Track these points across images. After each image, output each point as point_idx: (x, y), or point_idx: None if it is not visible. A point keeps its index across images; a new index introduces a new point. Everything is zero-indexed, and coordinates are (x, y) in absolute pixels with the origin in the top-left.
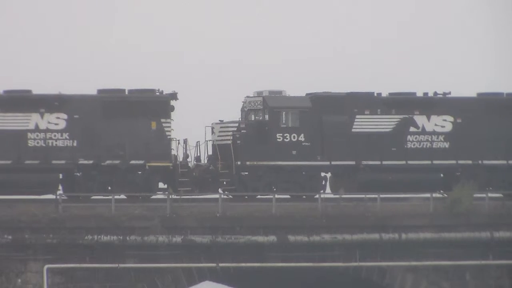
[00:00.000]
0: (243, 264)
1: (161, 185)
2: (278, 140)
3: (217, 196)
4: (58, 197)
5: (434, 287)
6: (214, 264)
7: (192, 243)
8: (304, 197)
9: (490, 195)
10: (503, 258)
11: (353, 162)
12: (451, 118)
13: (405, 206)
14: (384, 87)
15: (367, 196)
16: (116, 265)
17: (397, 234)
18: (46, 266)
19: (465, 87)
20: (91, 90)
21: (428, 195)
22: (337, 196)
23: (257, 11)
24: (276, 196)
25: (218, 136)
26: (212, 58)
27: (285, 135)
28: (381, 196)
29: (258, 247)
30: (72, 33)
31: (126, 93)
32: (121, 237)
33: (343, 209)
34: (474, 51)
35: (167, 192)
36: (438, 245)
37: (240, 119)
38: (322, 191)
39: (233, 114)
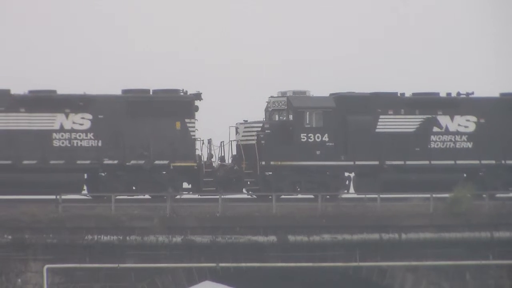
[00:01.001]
0: (243, 264)
1: (185, 185)
2: (302, 140)
3: (216, 196)
4: (58, 197)
5: (434, 287)
6: (214, 264)
7: (192, 243)
8: (328, 197)
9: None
10: (503, 258)
11: (376, 162)
12: (474, 118)
13: (405, 206)
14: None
15: (367, 196)
16: (116, 265)
17: (397, 234)
18: (46, 266)
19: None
20: (116, 90)
21: (428, 195)
22: (362, 196)
23: (279, 10)
24: (301, 196)
25: (242, 136)
26: (236, 58)
27: (309, 135)
28: (381, 196)
29: (258, 247)
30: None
31: (151, 93)
32: (121, 237)
33: (343, 209)
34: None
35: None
36: (438, 245)
37: (264, 119)
38: (346, 191)
39: (257, 114)
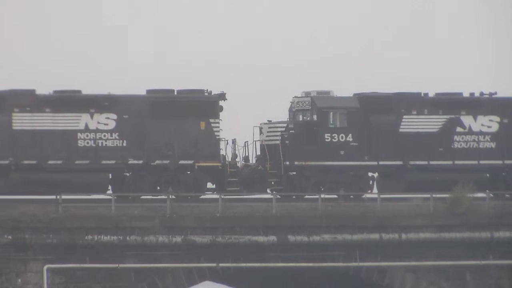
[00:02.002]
0: (243, 264)
1: (209, 185)
2: (326, 140)
3: (216, 196)
4: (58, 197)
5: (434, 287)
6: (214, 264)
7: (192, 243)
8: (352, 197)
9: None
10: (503, 258)
11: (400, 162)
12: (497, 118)
13: (405, 206)
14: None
15: (367, 196)
16: (116, 265)
17: (397, 234)
18: (46, 266)
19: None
20: (140, 90)
21: (428, 195)
22: (386, 195)
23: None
24: (325, 196)
25: (266, 136)
26: (259, 58)
27: (333, 135)
28: (381, 196)
29: (258, 247)
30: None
31: (175, 93)
32: (121, 237)
33: (343, 209)
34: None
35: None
36: (438, 245)
37: (288, 119)
38: (369, 191)
39: (280, 114)
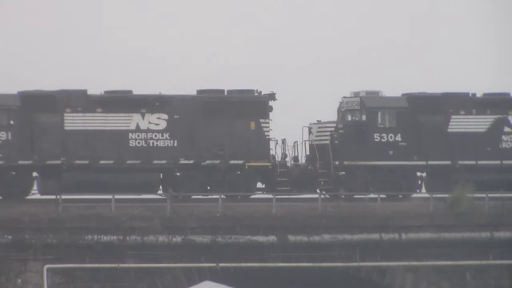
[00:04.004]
0: (243, 264)
1: (259, 185)
2: (375, 140)
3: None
4: (58, 197)
5: (434, 287)
6: (214, 264)
7: (192, 243)
8: (400, 196)
9: (490, 195)
10: (503, 258)
11: (448, 162)
12: None
13: (405, 206)
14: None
15: (367, 196)
16: (116, 265)
17: (397, 234)
18: (46, 266)
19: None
20: (191, 91)
21: (428, 195)
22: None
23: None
24: (372, 196)
25: (316, 136)
26: (308, 58)
27: (382, 135)
28: (381, 196)
29: (258, 247)
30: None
31: (225, 93)
32: (121, 237)
33: (343, 209)
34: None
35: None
36: (438, 245)
37: (337, 119)
38: (418, 191)
39: (327, 114)
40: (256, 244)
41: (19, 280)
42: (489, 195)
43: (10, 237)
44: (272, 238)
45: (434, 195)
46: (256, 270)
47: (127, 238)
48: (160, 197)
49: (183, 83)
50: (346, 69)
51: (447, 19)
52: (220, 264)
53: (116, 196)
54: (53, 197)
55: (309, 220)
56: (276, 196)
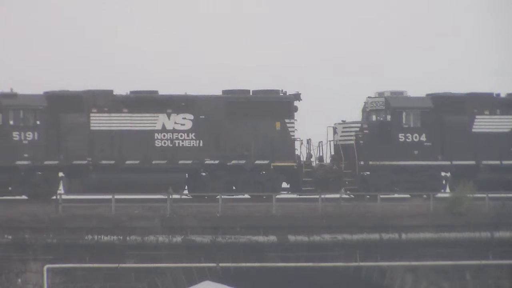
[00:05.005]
0: (243, 264)
1: (284, 185)
2: (400, 140)
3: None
4: (58, 197)
5: (434, 287)
6: (214, 264)
7: (192, 243)
8: (425, 196)
9: (490, 195)
10: (503, 258)
11: (473, 162)
12: None
13: (405, 206)
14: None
15: (367, 196)
16: (116, 265)
17: (397, 234)
18: (46, 266)
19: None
20: (216, 91)
21: (407, 195)
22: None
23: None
24: (397, 195)
25: (340, 136)
26: (332, 59)
27: (407, 135)
28: (381, 196)
29: (258, 247)
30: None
31: (251, 93)
32: (121, 237)
33: (343, 209)
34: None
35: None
36: (438, 245)
37: (361, 119)
38: (442, 191)
39: (352, 114)
40: (256, 244)
41: (19, 280)
42: (489, 195)
43: (10, 237)
44: (272, 238)
45: (434, 195)
46: (256, 270)
47: (127, 238)
48: (162, 197)
49: (207, 83)
50: (369, 68)
51: (446, 19)
52: (220, 264)
53: (116, 196)
54: (53, 197)
55: (309, 220)
56: (300, 196)
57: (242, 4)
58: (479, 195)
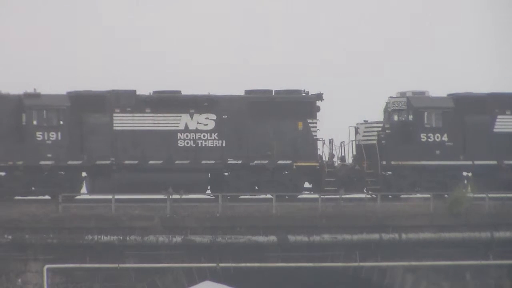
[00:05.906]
0: (243, 264)
1: (306, 185)
2: (422, 140)
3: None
4: (58, 197)
5: (434, 287)
6: (214, 264)
7: (192, 243)
8: (446, 196)
9: (490, 195)
10: (503, 258)
11: (495, 162)
12: None
13: (405, 206)
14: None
15: (367, 196)
16: (116, 265)
17: (397, 234)
18: (46, 266)
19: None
20: (239, 91)
21: (428, 195)
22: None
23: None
24: (419, 195)
25: (363, 136)
26: (354, 59)
27: (428, 135)
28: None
29: (258, 247)
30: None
31: (273, 93)
32: (121, 237)
33: (343, 209)
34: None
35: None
36: (438, 245)
37: (383, 119)
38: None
39: (374, 114)
40: (256, 244)
41: (19, 280)
42: (489, 195)
43: (10, 237)
44: (272, 238)
45: (434, 195)
46: (256, 270)
47: (127, 238)
48: (163, 197)
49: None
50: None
51: (446, 19)
52: (220, 264)
53: (116, 196)
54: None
55: (309, 220)
56: (323, 196)
57: (258, 4)
58: (479, 195)
